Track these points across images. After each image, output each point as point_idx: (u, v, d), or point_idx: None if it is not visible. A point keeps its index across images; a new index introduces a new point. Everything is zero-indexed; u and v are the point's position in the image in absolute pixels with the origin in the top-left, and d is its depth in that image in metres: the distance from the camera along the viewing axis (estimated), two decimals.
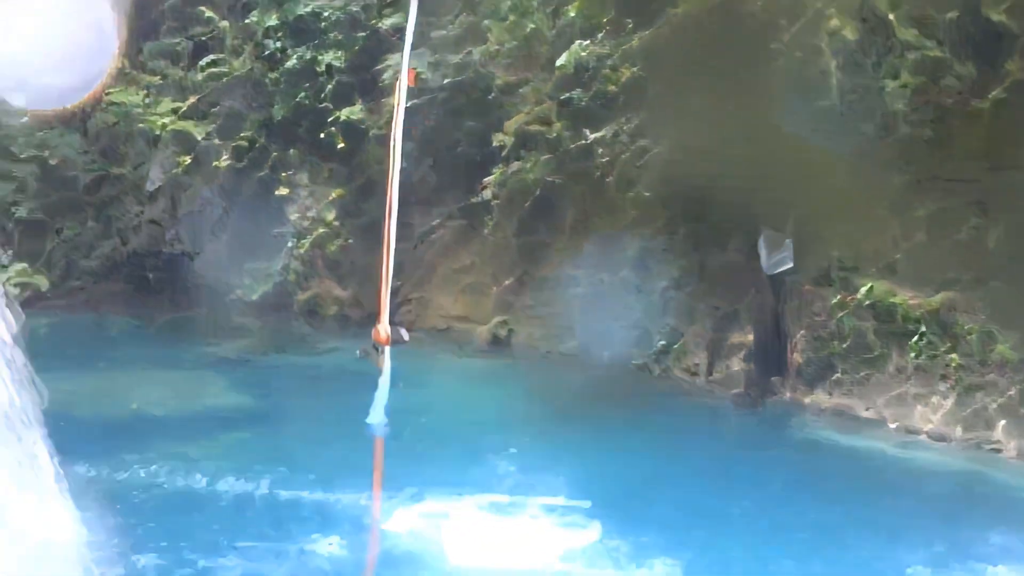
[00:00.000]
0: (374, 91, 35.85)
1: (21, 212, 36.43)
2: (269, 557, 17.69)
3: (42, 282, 35.26)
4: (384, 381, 15.45)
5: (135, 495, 19.77)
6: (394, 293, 35.90)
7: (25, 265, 34.63)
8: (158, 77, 38.36)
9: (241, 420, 25.31)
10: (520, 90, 33.48)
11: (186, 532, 18.29)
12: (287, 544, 18.26)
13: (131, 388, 27.48)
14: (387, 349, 15.06)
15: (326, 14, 36.55)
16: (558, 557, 18.47)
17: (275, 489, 20.93)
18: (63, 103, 35.36)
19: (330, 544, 18.22)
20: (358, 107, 35.91)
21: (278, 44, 37.14)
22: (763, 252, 27.96)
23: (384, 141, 36.06)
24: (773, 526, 19.71)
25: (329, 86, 36.15)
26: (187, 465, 21.85)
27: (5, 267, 33.64)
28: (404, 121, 33.54)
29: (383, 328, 15.01)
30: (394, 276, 35.63)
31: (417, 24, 11.63)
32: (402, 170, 34.12)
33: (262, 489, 20.91)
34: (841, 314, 26.83)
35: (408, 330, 34.47)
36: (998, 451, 24.10)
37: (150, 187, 38.46)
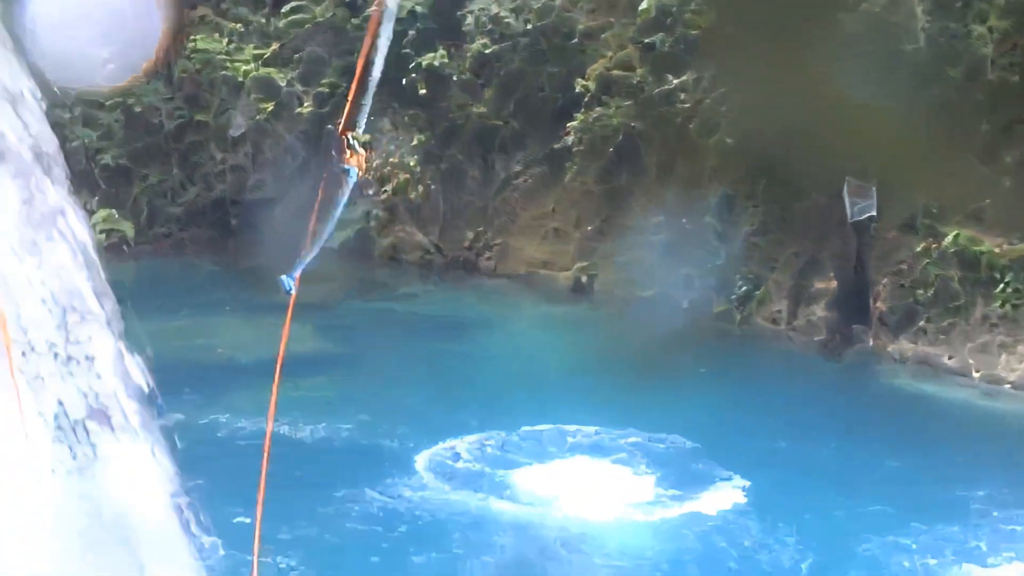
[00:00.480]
0: (456, 37, 35.82)
1: (107, 159, 36.82)
2: (347, 501, 17.88)
3: (128, 228, 35.64)
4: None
5: (217, 439, 20.01)
6: (477, 238, 36.18)
7: (112, 211, 35.02)
8: (240, 24, 38.54)
9: (322, 365, 25.47)
10: (602, 35, 33.29)
11: (268, 476, 18.49)
12: (364, 488, 18.43)
13: (215, 333, 27.81)
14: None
15: None
16: (634, 496, 18.64)
17: (355, 435, 21.13)
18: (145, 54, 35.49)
19: (406, 489, 18.39)
20: (440, 53, 35.84)
21: None
22: (847, 199, 27.69)
23: (467, 87, 36.21)
24: (851, 471, 19.74)
25: (411, 32, 36.06)
26: (266, 409, 22.08)
27: (92, 213, 34.02)
28: (486, 66, 33.60)
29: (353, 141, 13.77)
30: (476, 222, 35.86)
31: None
32: (483, 115, 34.39)
33: (342, 434, 21.11)
34: (926, 262, 26.53)
35: (491, 276, 34.73)
36: None
37: (233, 134, 38.72)
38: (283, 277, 11.80)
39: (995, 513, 17.98)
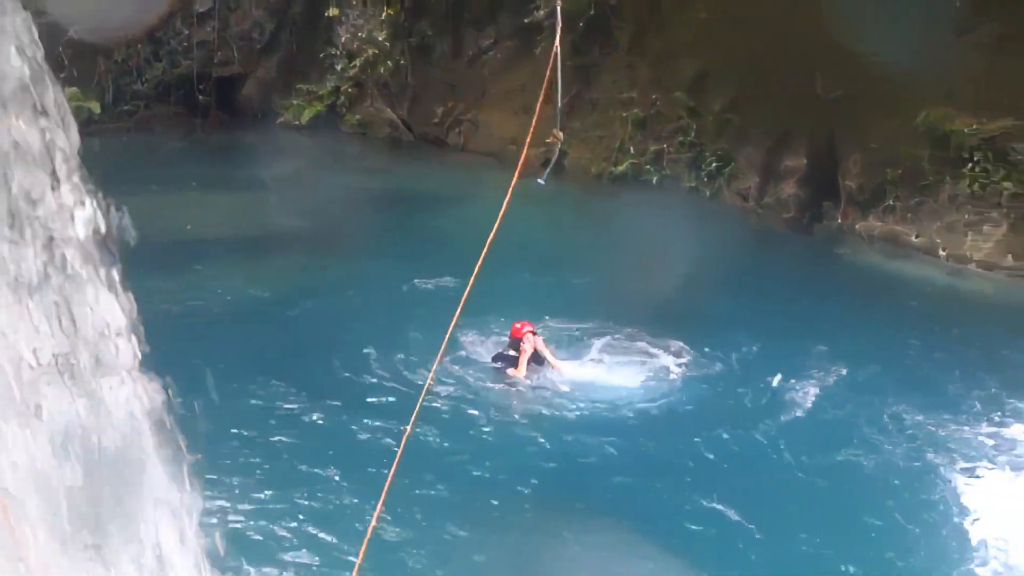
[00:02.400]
0: None
1: (70, 34, 36.31)
2: (314, 376, 17.88)
3: (94, 106, 35.27)
4: None
5: (185, 315, 19.94)
6: (446, 114, 36.00)
7: (76, 89, 34.62)
8: None
9: (294, 241, 25.43)
10: None
11: (232, 354, 18.49)
12: (332, 363, 18.43)
13: (184, 209, 27.65)
14: None
15: None
16: (602, 360, 18.81)
17: (326, 312, 21.10)
18: None
19: (368, 368, 18.39)
20: None
21: None
22: (819, 76, 27.63)
23: None
24: (814, 343, 19.90)
25: None
26: (240, 286, 22.08)
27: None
28: None
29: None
30: (445, 97, 35.58)
31: None
32: None
33: (311, 313, 21.07)
34: (896, 140, 26.48)
35: (460, 151, 34.62)
36: None
37: (200, 8, 38.25)
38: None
39: (951, 387, 18.22)
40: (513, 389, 17.80)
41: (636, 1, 31.55)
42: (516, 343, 18.08)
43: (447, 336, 9.65)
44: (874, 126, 26.86)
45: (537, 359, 18.15)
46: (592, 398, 17.50)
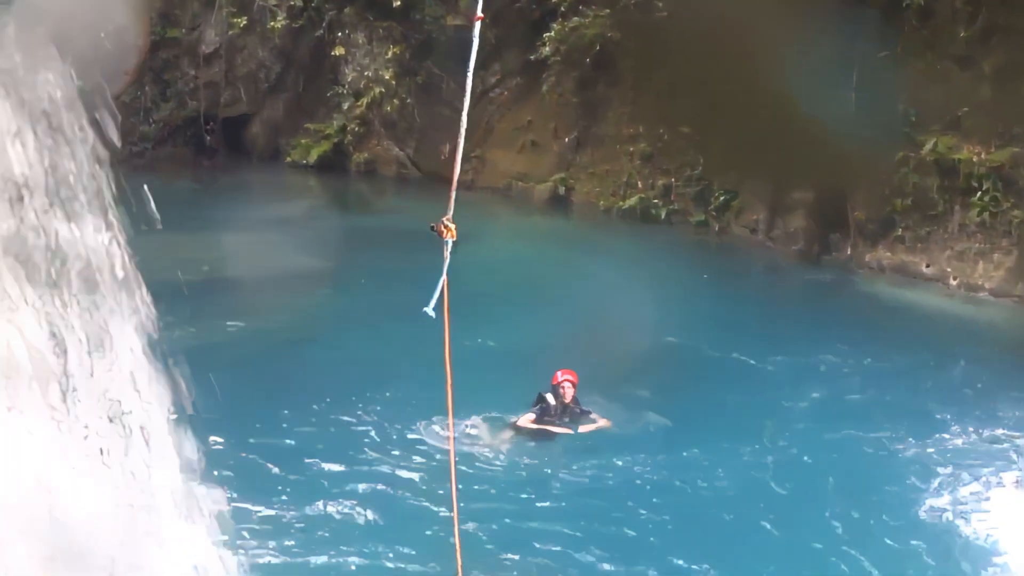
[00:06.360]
0: None
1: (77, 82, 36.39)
2: (338, 423, 17.78)
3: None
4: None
5: (209, 359, 19.85)
6: (453, 151, 36.06)
7: None
8: None
9: (310, 282, 25.33)
10: None
11: (259, 396, 18.42)
12: (350, 407, 18.34)
13: (197, 251, 27.57)
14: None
15: None
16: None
17: (348, 355, 20.98)
18: None
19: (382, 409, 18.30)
20: None
21: None
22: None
23: None
24: (827, 376, 19.81)
25: None
26: (262, 328, 21.96)
27: None
28: None
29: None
30: (452, 135, 35.62)
31: None
32: (459, 27, 34.03)
33: (335, 355, 20.93)
34: (904, 170, 26.51)
35: (468, 189, 34.65)
36: None
37: (206, 50, 38.42)
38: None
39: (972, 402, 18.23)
40: (517, 438, 17.41)
41: (639, 36, 31.66)
42: (555, 389, 17.67)
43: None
44: (881, 156, 26.91)
45: (575, 409, 17.74)
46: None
